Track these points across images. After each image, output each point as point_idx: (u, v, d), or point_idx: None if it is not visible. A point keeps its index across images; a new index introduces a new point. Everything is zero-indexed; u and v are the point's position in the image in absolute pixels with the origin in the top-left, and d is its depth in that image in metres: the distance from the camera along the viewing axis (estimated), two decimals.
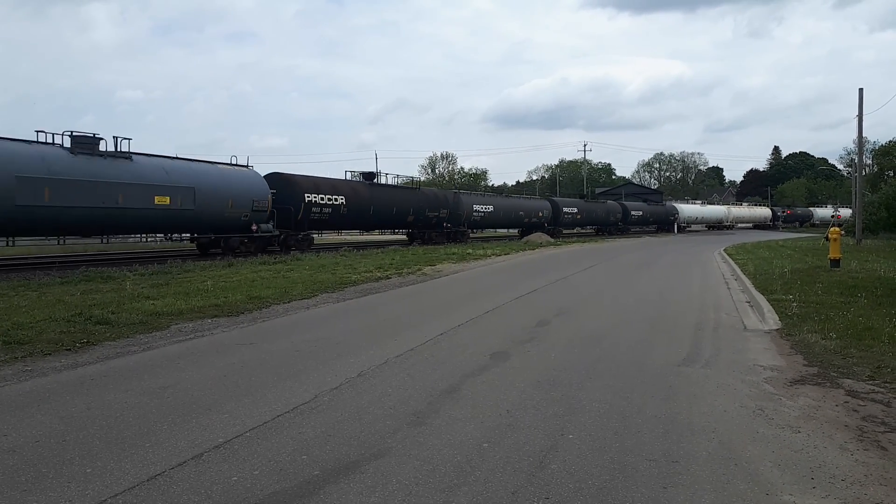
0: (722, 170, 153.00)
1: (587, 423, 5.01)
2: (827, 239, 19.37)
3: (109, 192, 19.71)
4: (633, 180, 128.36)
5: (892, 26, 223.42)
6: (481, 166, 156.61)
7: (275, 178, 27.37)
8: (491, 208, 44.90)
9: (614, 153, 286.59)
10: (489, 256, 26.08)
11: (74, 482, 3.89)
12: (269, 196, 25.34)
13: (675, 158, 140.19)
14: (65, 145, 19.49)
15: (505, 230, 53.11)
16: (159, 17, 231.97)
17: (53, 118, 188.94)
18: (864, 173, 46.61)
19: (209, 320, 9.88)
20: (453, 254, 26.51)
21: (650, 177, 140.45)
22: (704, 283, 16.24)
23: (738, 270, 19.00)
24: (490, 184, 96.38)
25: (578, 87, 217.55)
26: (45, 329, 8.69)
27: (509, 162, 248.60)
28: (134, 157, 21.19)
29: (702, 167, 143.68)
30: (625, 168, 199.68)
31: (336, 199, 29.50)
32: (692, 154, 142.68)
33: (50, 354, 7.42)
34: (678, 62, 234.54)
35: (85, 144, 19.92)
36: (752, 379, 6.37)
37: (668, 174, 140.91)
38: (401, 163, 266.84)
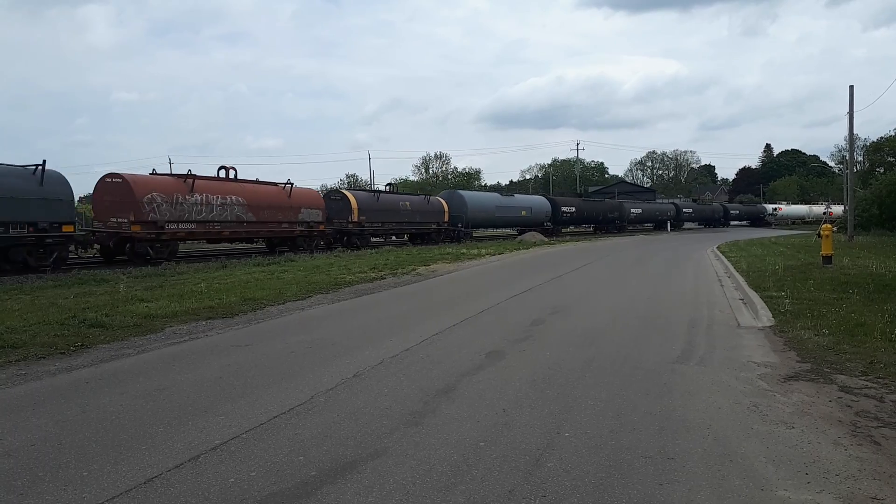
0: (714, 168, 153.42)
1: (583, 420, 5.03)
2: (819, 236, 19.43)
3: (509, 210, 47.38)
4: (626, 178, 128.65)
5: (884, 24, 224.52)
6: (475, 166, 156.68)
7: (548, 200, 55.15)
8: (640, 210, 68.71)
9: (608, 152, 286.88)
10: (483, 256, 26.12)
11: (71, 485, 3.89)
12: (551, 209, 52.31)
13: (667, 157, 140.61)
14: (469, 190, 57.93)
15: (648, 224, 73.58)
16: (156, 19, 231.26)
17: (47, 120, 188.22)
18: (855, 170, 46.82)
19: (203, 322, 9.87)
20: (448, 254, 26.57)
21: (643, 175, 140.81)
22: (697, 281, 16.31)
23: (731, 268, 19.08)
24: (483, 183, 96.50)
25: (573, 87, 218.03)
26: (39, 332, 8.66)
27: (503, 161, 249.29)
28: (517, 194, 55.72)
29: (694, 165, 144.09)
30: (618, 166, 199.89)
31: (571, 209, 56.17)
32: (685, 152, 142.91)
33: (44, 358, 7.40)
34: (673, 61, 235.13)
35: (501, 191, 60.30)
36: (746, 375, 6.40)
37: (660, 172, 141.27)
38: (394, 163, 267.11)
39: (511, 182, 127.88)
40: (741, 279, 15.46)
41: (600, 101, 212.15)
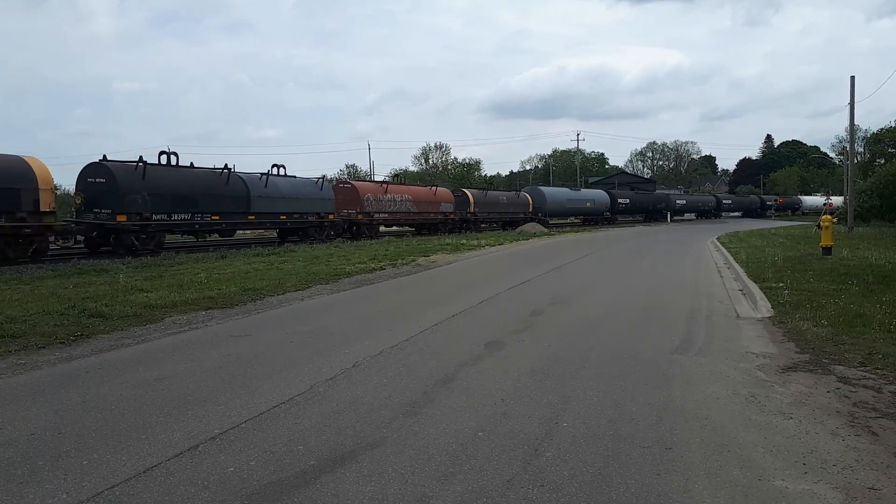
0: (714, 158, 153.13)
1: (581, 410, 5.05)
2: (819, 227, 19.43)
3: (577, 202, 57.91)
4: (626, 169, 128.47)
5: (888, 15, 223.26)
6: (476, 156, 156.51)
7: (607, 193, 64.27)
8: (685, 202, 78.05)
9: (608, 142, 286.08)
10: (483, 247, 26.10)
11: (71, 474, 3.90)
12: (609, 201, 62.10)
13: (668, 147, 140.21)
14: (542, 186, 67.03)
15: (691, 215, 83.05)
16: (158, 9, 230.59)
17: (48, 110, 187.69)
18: (855, 161, 46.69)
19: (203, 312, 9.87)
20: (447, 245, 26.56)
21: (643, 166, 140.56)
22: (696, 272, 16.31)
23: (731, 259, 19.08)
24: (484, 174, 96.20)
25: (576, 77, 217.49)
26: (39, 322, 8.67)
27: (504, 152, 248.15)
28: (582, 189, 67.27)
29: (694, 156, 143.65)
30: (619, 157, 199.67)
31: (626, 200, 66.52)
32: (685, 143, 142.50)
33: (44, 347, 7.41)
34: (675, 51, 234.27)
35: (571, 186, 68.32)
36: (744, 366, 6.42)
37: (661, 163, 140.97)
38: (395, 153, 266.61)
39: (511, 173, 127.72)
40: (741, 270, 15.46)
41: (602, 92, 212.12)
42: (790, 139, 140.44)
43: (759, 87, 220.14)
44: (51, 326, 8.44)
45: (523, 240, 32.55)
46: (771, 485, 3.71)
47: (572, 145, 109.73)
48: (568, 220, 59.92)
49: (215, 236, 26.55)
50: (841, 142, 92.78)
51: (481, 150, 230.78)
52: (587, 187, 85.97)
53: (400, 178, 39.93)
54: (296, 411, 5.07)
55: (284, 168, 29.37)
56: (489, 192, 50.04)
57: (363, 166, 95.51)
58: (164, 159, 23.52)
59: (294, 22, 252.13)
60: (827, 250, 18.13)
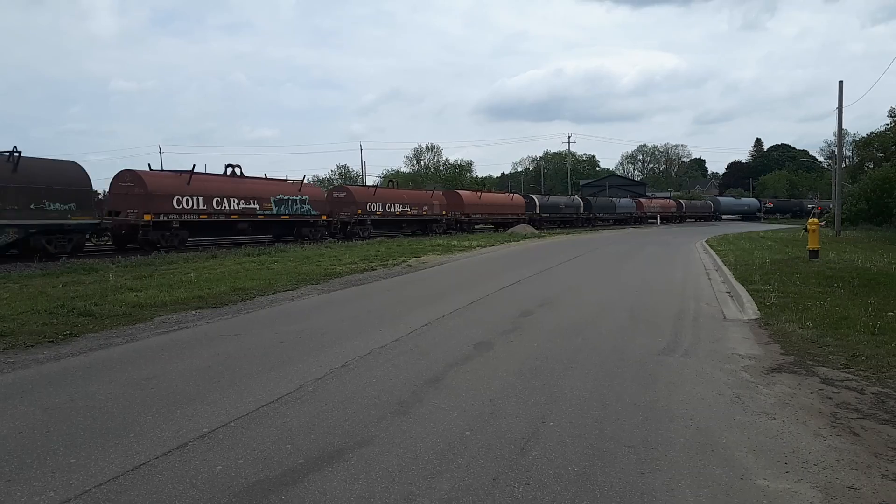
0: (704, 161, 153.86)
1: (568, 410, 5.09)
2: (806, 230, 19.58)
3: (739, 206, 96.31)
4: (617, 172, 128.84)
5: (883, 21, 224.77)
6: (469, 158, 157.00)
7: (757, 200, 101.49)
8: (811, 206, 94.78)
9: (600, 145, 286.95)
10: (474, 248, 26.16)
11: (59, 472, 3.91)
12: (759, 204, 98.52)
13: (658, 150, 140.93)
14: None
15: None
16: (159, 8, 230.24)
17: (42, 107, 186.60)
18: (844, 165, 47.06)
19: (193, 312, 9.87)
20: (438, 245, 26.61)
21: (634, 168, 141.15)
22: (685, 274, 16.42)
23: (719, 261, 19.21)
24: (475, 175, 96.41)
25: (573, 79, 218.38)
26: (28, 321, 8.65)
27: (497, 153, 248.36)
28: (742, 198, 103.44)
29: (685, 159, 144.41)
30: (611, 159, 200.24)
31: (770, 204, 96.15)
32: (676, 146, 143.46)
33: (33, 346, 7.39)
34: (672, 54, 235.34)
35: (734, 196, 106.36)
36: (730, 367, 6.49)
37: (651, 166, 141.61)
38: (389, 154, 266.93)
39: (503, 174, 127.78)
40: (728, 272, 15.57)
41: (597, 94, 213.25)
42: (780, 143, 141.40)
43: (752, 91, 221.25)
44: (39, 325, 8.42)
45: (514, 241, 32.63)
46: (753, 484, 3.77)
47: (564, 147, 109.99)
48: (733, 217, 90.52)
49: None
50: (830, 146, 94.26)
51: (475, 152, 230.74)
52: (577, 190, 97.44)
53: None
54: (284, 410, 5.09)
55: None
56: (692, 200, 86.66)
57: (355, 167, 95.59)
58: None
59: (293, 22, 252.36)
60: (814, 253, 18.27)
